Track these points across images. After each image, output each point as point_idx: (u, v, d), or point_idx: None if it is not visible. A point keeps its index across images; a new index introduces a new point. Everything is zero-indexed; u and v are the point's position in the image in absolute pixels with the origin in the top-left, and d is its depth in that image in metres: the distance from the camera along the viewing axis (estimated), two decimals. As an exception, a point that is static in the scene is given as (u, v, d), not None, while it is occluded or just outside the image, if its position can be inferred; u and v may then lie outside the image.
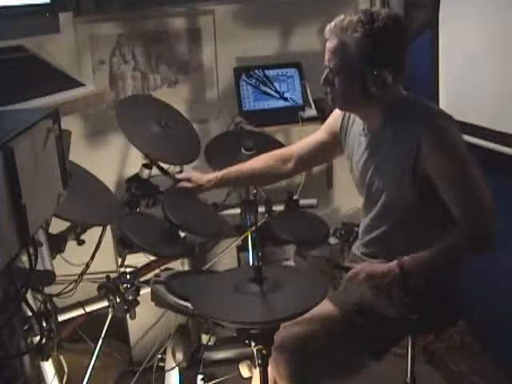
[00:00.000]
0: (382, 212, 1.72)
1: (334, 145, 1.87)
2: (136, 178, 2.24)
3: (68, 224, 1.86)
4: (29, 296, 1.56)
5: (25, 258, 1.17)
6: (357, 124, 1.76)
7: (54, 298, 1.77)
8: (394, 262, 1.60)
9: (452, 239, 1.58)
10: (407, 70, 1.62)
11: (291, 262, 1.97)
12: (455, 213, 1.57)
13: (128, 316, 1.89)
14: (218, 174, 1.97)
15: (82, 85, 1.86)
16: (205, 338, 1.96)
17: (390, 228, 1.71)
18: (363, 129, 1.72)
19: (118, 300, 1.84)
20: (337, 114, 1.85)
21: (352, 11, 1.60)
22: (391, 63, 1.56)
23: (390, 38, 1.54)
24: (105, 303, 1.86)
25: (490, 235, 1.57)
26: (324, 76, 1.63)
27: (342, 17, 1.58)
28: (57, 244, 1.80)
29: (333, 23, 1.59)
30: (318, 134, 1.92)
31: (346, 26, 1.55)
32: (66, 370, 1.82)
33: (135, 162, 2.32)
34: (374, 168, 1.70)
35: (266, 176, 1.99)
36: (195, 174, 2.02)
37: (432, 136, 1.54)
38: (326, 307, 1.60)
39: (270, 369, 1.44)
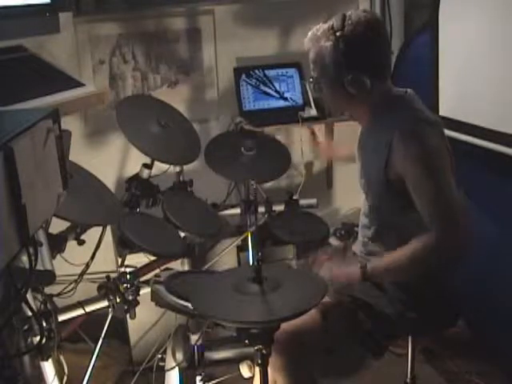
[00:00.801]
0: (371, 211, 1.74)
1: None
2: (136, 177, 2.24)
3: (68, 224, 1.86)
4: (29, 296, 1.56)
5: (25, 258, 1.17)
6: None
7: (54, 298, 1.77)
8: (357, 269, 1.60)
9: (416, 244, 1.53)
10: (388, 68, 1.67)
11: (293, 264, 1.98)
12: (423, 216, 1.54)
13: (128, 316, 1.88)
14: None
15: (82, 85, 1.86)
16: (193, 339, 1.95)
17: (381, 227, 1.72)
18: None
19: (118, 300, 1.84)
20: None
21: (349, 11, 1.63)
22: (366, 66, 1.60)
23: (361, 42, 1.58)
24: (105, 303, 1.86)
25: (458, 240, 1.51)
26: (312, 85, 1.71)
27: (319, 26, 1.64)
28: (57, 244, 1.80)
29: (309, 34, 1.65)
30: None
31: (320, 36, 1.62)
32: (65, 370, 1.82)
33: (135, 162, 2.32)
34: (361, 167, 1.74)
35: None
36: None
37: (403, 137, 1.55)
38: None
39: (269, 367, 1.45)
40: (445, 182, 1.52)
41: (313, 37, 1.64)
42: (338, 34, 1.57)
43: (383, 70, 1.65)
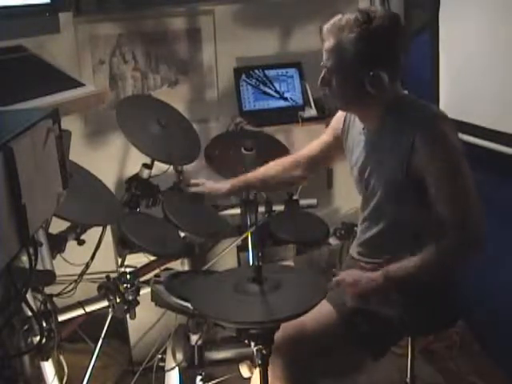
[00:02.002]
0: (375, 213, 1.73)
1: (337, 147, 1.88)
2: (136, 177, 2.24)
3: (68, 224, 1.86)
4: (29, 296, 1.56)
5: (25, 258, 1.17)
6: (357, 123, 1.76)
7: (54, 298, 1.77)
8: (379, 272, 1.59)
9: (437, 246, 1.54)
10: (403, 68, 1.63)
11: (290, 262, 1.97)
12: (442, 215, 1.54)
13: (128, 316, 1.89)
14: (228, 184, 2.01)
15: (82, 85, 1.86)
16: (194, 339, 1.96)
17: (382, 230, 1.71)
18: (363, 128, 1.73)
19: (118, 300, 1.84)
20: (339, 115, 1.86)
21: (349, 11, 1.60)
22: (387, 63, 1.57)
23: (387, 37, 1.55)
24: (105, 303, 1.86)
25: (476, 238, 1.52)
26: (321, 76, 1.64)
27: (340, 16, 1.58)
28: (57, 244, 1.80)
29: (330, 23, 1.59)
30: (323, 137, 1.94)
31: (342, 26, 1.55)
32: (65, 370, 1.82)
33: (135, 162, 2.32)
34: (371, 168, 1.71)
35: (277, 182, 2.02)
36: (208, 182, 2.04)
37: (426, 137, 1.54)
38: (322, 307, 1.59)
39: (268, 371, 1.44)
40: (466, 183, 1.53)
41: (334, 25, 1.57)
42: (363, 26, 1.52)
43: (399, 69, 1.62)
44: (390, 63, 1.58)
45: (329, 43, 1.59)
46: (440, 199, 1.55)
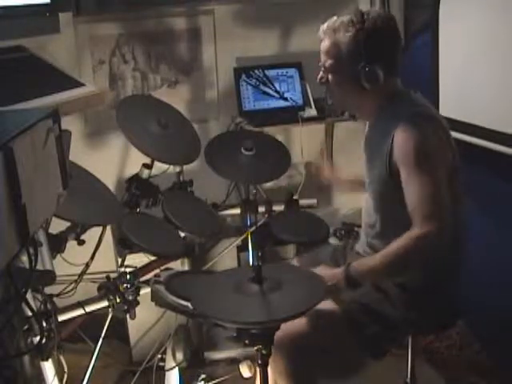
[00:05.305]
0: (372, 210, 1.74)
1: None
2: (136, 177, 2.24)
3: (68, 224, 1.86)
4: (29, 296, 1.56)
5: (25, 258, 1.17)
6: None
7: (54, 298, 1.76)
8: (341, 269, 1.58)
9: (398, 244, 1.53)
10: (399, 66, 1.68)
11: (294, 262, 1.98)
12: (408, 211, 1.54)
13: (128, 316, 1.88)
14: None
15: (82, 85, 1.86)
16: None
17: (385, 224, 1.72)
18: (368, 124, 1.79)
19: (117, 300, 1.84)
20: None
21: (349, 11, 1.68)
22: (382, 59, 1.62)
23: (380, 35, 1.61)
24: (105, 303, 1.86)
25: (436, 239, 1.50)
26: (319, 76, 1.71)
27: (335, 18, 1.66)
28: (57, 244, 1.80)
29: (325, 25, 1.67)
30: None
31: (337, 27, 1.63)
32: (65, 370, 1.81)
33: (135, 162, 2.32)
34: (366, 164, 1.75)
35: None
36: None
37: (402, 132, 1.56)
38: (326, 303, 1.60)
39: (270, 368, 1.44)
40: (434, 180, 1.53)
41: (329, 27, 1.65)
42: (358, 26, 1.60)
43: (395, 67, 1.67)
44: (384, 59, 1.63)
45: (324, 44, 1.67)
46: (406, 193, 1.55)
